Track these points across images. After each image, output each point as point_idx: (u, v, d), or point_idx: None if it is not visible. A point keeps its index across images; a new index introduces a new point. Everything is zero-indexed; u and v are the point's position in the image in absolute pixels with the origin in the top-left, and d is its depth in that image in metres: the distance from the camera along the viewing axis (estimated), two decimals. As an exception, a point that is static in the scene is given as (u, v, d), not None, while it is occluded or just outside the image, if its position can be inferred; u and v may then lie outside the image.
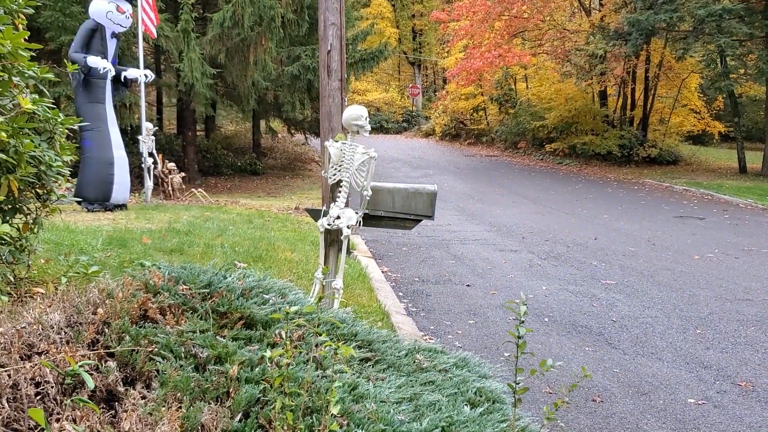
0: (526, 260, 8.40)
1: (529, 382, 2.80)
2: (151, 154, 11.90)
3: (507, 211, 13.01)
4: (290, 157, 25.16)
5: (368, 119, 4.26)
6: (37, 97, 3.58)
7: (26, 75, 3.51)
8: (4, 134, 2.93)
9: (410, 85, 43.11)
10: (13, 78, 3.39)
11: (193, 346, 2.43)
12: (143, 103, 11.90)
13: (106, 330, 2.34)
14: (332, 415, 2.16)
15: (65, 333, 2.25)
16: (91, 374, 2.11)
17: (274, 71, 16.44)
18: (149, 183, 11.78)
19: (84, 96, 9.37)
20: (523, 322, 2.42)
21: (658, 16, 20.02)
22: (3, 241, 3.24)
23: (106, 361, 2.23)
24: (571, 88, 25.78)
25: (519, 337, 2.42)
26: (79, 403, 1.89)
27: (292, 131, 23.30)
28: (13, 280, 3.37)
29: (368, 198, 4.28)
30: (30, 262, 3.78)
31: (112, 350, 2.27)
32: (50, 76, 3.73)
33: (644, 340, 5.40)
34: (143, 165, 11.62)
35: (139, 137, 11.85)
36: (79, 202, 9.23)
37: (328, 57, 7.50)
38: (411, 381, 3.05)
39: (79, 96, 9.42)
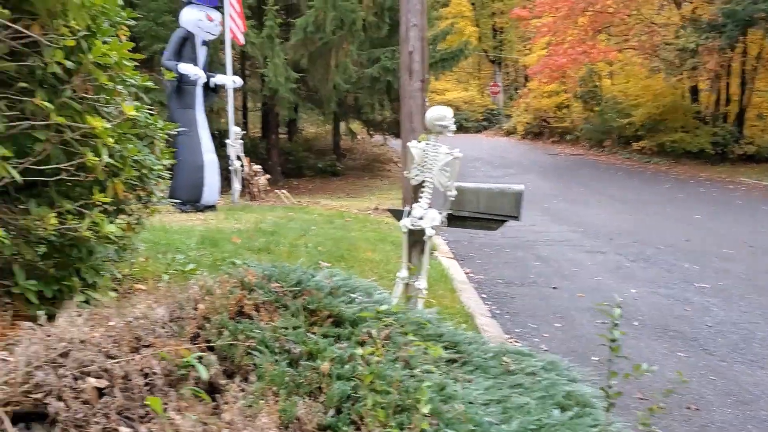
0: (614, 262, 8.16)
1: (621, 386, 2.73)
2: (238, 157, 12.32)
3: (593, 212, 12.67)
4: (369, 158, 25.42)
5: (453, 119, 4.26)
6: (138, 104, 3.79)
7: (127, 83, 3.71)
8: (111, 140, 3.11)
9: (490, 83, 42.68)
10: (117, 86, 3.59)
11: (286, 342, 2.51)
12: (231, 108, 12.33)
13: (207, 325, 2.46)
14: (423, 414, 2.18)
15: (169, 327, 2.38)
16: (194, 368, 2.22)
17: (354, 74, 16.65)
18: (237, 185, 12.20)
19: (177, 102, 9.80)
20: (617, 325, 2.37)
21: (757, 5, 18.97)
22: (109, 241, 3.44)
23: (206, 355, 2.34)
24: (660, 84, 24.79)
25: (613, 341, 2.37)
26: (184, 394, 2.00)
27: (371, 132, 23.54)
28: (121, 277, 3.58)
29: (452, 198, 4.28)
30: (133, 261, 4.00)
31: (212, 344, 2.38)
32: (150, 84, 3.94)
33: (743, 347, 5.15)
34: (231, 168, 12.03)
35: (227, 141, 12.29)
36: (173, 204, 9.67)
37: (409, 58, 7.51)
38: (498, 383, 3.03)
39: (172, 102, 9.87)
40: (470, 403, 2.62)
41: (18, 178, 2.78)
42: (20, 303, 3.27)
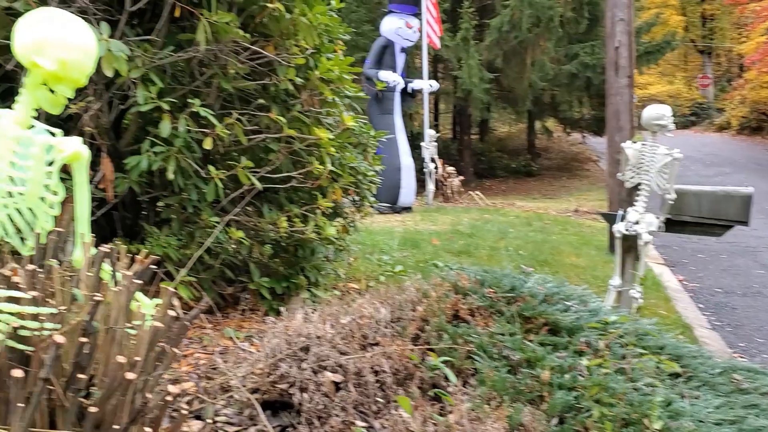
0: None
1: None
2: (432, 160, 12.58)
3: (827, 214, 11.16)
4: (566, 157, 24.55)
5: (671, 118, 4.00)
6: (353, 114, 4.02)
7: (342, 95, 3.95)
8: (333, 149, 3.34)
9: (699, 75, 39.29)
10: (335, 99, 3.84)
11: (503, 348, 2.51)
12: (426, 112, 12.63)
13: (426, 327, 2.54)
14: (653, 429, 2.07)
15: (392, 327, 2.50)
16: (419, 368, 2.31)
17: (551, 71, 16.22)
18: (431, 186, 12.46)
19: (376, 108, 10.25)
20: None
21: None
22: (329, 242, 3.69)
23: (427, 356, 2.43)
24: None
25: None
26: (413, 393, 2.09)
27: (568, 130, 22.75)
28: (342, 276, 3.83)
29: (671, 202, 4.01)
30: (348, 261, 4.25)
31: (431, 346, 2.46)
32: (362, 95, 4.16)
33: None
34: (426, 170, 12.31)
35: (422, 144, 12.60)
36: (372, 206, 10.10)
37: (615, 54, 7.18)
38: (730, 402, 2.79)
39: (372, 108, 10.33)
40: (700, 421, 2.44)
41: (259, 185, 3.08)
42: (253, 297, 3.63)
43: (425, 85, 11.34)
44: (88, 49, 1.53)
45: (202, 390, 2.15)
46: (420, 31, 10.99)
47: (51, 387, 1.29)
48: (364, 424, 2.02)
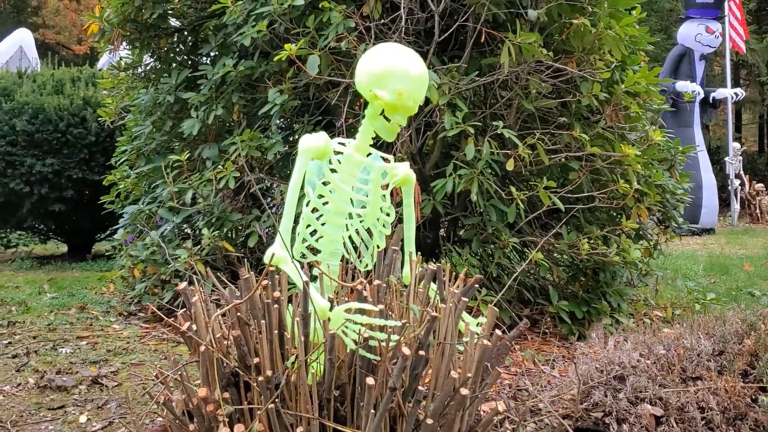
0: None
1: None
2: (737, 176, 11.26)
3: None
4: None
5: None
6: (656, 128, 3.74)
7: (646, 108, 3.70)
8: (639, 166, 3.13)
9: None
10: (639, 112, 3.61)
11: None
12: (730, 124, 11.38)
13: (757, 363, 2.23)
14: None
15: (715, 361, 2.23)
16: (752, 408, 2.03)
17: None
18: (735, 206, 11.15)
19: (674, 121, 9.49)
20: None
21: None
22: (634, 266, 3.46)
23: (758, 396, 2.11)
24: None
25: None
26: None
27: None
28: (649, 302, 3.57)
29: None
30: (652, 286, 3.95)
31: (764, 385, 2.14)
32: (666, 107, 3.86)
33: None
34: (729, 187, 11.06)
35: (726, 159, 11.35)
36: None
37: None
38: None
39: (668, 121, 9.59)
40: None
41: (561, 206, 3.01)
42: (551, 321, 3.55)
43: (729, 93, 10.21)
44: (422, 79, 1.62)
45: (513, 411, 2.14)
46: (722, 35, 9.95)
47: (393, 397, 1.36)
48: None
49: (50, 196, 6.38)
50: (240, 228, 3.84)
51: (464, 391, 1.37)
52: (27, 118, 6.10)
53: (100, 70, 7.41)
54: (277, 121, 3.60)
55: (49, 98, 6.19)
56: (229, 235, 3.78)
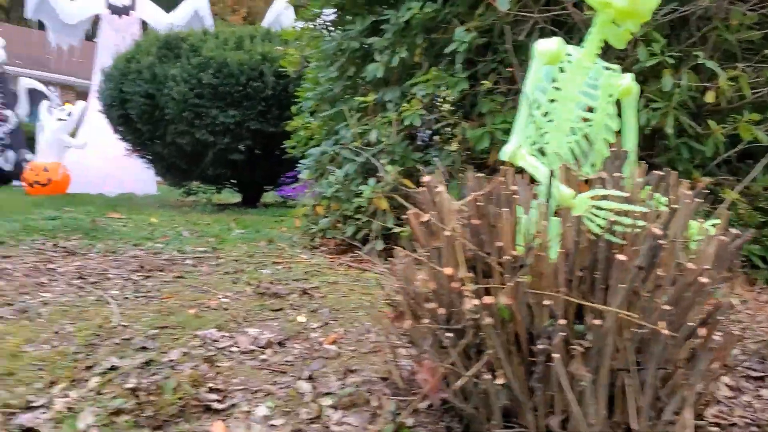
0: None
1: None
2: None
3: None
4: None
5: None
6: None
7: None
8: None
9: None
10: None
11: None
12: None
13: None
14: None
15: None
16: None
17: None
18: None
19: None
20: None
21: None
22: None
23: None
24: None
25: None
26: None
27: None
28: None
29: None
30: None
31: None
32: None
33: None
34: None
35: None
36: None
37: None
38: None
39: None
40: None
41: (765, 139, 2.87)
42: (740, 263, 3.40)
43: None
44: (657, -16, 1.63)
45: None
46: None
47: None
48: None
49: (231, 146, 6.94)
50: (418, 167, 4.00)
51: (704, 279, 1.41)
52: (212, 72, 6.64)
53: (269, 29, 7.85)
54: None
55: (231, 53, 6.69)
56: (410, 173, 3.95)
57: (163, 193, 11.25)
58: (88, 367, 2.13)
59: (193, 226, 5.43)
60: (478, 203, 1.60)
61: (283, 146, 5.33)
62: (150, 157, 8.32)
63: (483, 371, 1.53)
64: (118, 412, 1.84)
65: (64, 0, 11.72)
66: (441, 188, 1.61)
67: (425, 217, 1.65)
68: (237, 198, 8.94)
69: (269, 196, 9.30)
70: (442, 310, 1.59)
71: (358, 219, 3.89)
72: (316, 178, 4.50)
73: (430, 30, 3.82)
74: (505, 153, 1.60)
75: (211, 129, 6.81)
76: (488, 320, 1.48)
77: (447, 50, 3.50)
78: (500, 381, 1.48)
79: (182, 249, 4.18)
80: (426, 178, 1.65)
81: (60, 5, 11.60)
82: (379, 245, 3.64)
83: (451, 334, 1.52)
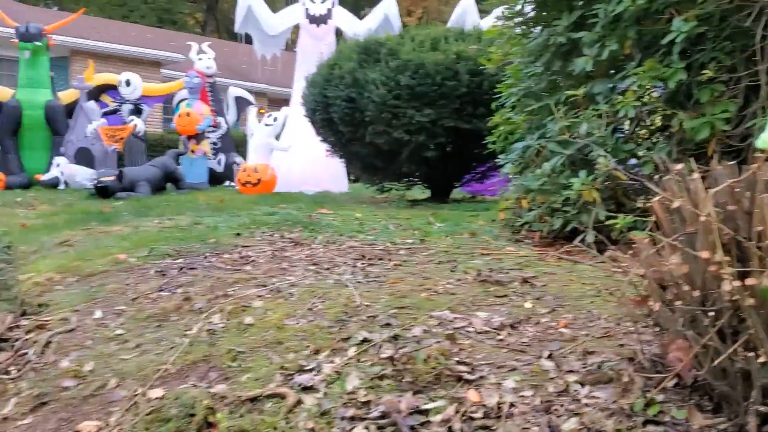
0: None
1: None
2: None
3: None
4: None
5: None
6: None
7: None
8: None
9: None
10: None
11: None
12: None
13: None
14: None
15: None
16: None
17: None
18: None
19: None
20: None
21: None
22: None
23: None
24: None
25: None
26: None
27: None
28: None
29: None
30: None
31: None
32: None
33: None
34: None
35: None
36: None
37: None
38: None
39: None
40: None
41: None
42: None
43: None
44: None
45: None
46: None
47: None
48: None
49: (425, 144, 7.23)
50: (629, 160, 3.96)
51: None
52: (410, 74, 6.97)
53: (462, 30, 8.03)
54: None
55: (427, 54, 6.97)
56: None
57: (354, 190, 11.92)
58: (344, 339, 2.43)
59: (395, 220, 5.76)
60: (735, 190, 1.63)
61: (483, 142, 5.48)
62: (348, 157, 8.89)
63: (740, 350, 1.57)
64: (381, 377, 2.10)
65: (267, 12, 12.82)
66: (696, 175, 1.66)
67: (676, 203, 1.71)
68: (426, 194, 9.27)
69: (455, 192, 9.53)
70: (696, 293, 1.65)
71: (566, 211, 3.93)
72: (519, 172, 4.60)
73: (641, 21, 3.77)
74: (765, 141, 1.62)
75: (407, 128, 7.14)
76: (750, 301, 1.52)
77: (664, 41, 3.45)
78: (762, 359, 1.51)
79: (393, 240, 4.47)
80: (677, 166, 1.71)
81: (264, 18, 12.70)
82: (590, 237, 3.66)
83: (710, 315, 1.57)
